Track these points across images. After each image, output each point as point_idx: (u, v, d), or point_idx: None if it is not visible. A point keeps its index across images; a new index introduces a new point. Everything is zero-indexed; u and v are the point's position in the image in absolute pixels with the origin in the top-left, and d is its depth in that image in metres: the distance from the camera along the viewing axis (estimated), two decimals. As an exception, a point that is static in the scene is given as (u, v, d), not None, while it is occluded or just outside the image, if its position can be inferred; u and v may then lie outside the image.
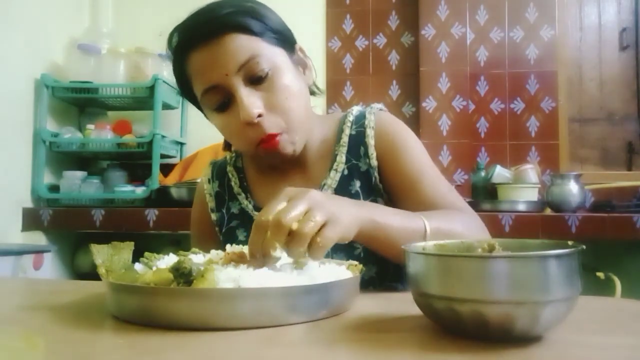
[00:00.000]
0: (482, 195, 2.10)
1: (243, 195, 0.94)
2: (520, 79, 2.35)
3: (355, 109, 0.94)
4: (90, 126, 2.22)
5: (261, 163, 0.95)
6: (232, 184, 0.96)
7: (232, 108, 0.80)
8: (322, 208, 0.59)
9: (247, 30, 0.78)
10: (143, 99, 2.20)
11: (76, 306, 0.61)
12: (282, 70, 0.80)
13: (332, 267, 0.61)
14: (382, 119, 0.90)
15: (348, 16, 2.49)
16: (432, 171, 0.87)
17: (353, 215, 0.65)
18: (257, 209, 0.91)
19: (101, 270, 0.55)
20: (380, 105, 0.94)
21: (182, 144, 2.42)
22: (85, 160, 2.40)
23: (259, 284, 0.51)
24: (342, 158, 0.88)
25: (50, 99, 2.18)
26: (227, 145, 0.98)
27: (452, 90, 2.29)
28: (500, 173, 2.07)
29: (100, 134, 2.18)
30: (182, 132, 2.44)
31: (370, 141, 0.87)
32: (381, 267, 0.84)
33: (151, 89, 2.14)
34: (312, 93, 0.91)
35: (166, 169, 2.23)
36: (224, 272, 0.52)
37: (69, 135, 2.18)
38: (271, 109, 0.79)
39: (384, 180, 0.87)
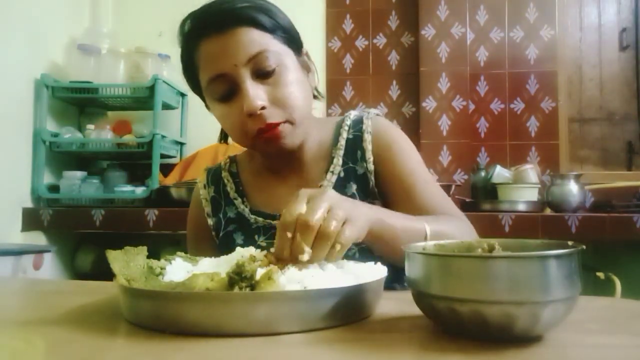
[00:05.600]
0: (482, 195, 2.10)
1: (239, 199, 0.94)
2: (520, 79, 2.35)
3: (353, 113, 0.95)
4: (90, 126, 2.22)
5: (256, 166, 0.96)
6: (228, 189, 0.96)
7: (236, 99, 0.80)
8: (341, 207, 0.61)
9: (260, 26, 0.80)
10: (143, 99, 2.21)
11: (76, 306, 0.61)
12: (288, 68, 0.82)
13: (364, 266, 0.61)
14: (379, 125, 0.92)
15: (348, 16, 2.48)
16: (426, 178, 0.89)
17: (365, 215, 0.66)
18: (254, 212, 0.92)
19: (121, 280, 0.53)
20: (376, 111, 0.96)
21: (182, 144, 2.42)
22: (85, 160, 2.40)
23: (324, 284, 0.50)
24: (338, 160, 0.89)
25: (50, 99, 2.18)
26: (224, 137, 0.97)
27: (452, 90, 2.29)
28: (500, 173, 2.07)
29: (100, 134, 2.18)
30: (182, 132, 2.44)
31: (368, 146, 0.89)
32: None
33: (151, 89, 2.14)
34: (314, 97, 0.92)
35: (166, 169, 2.23)
36: (288, 274, 0.51)
37: (69, 135, 2.18)
38: (274, 102, 0.80)
39: (380, 184, 0.88)
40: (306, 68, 0.89)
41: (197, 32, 0.82)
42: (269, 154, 0.89)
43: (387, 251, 0.73)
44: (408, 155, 0.89)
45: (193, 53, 0.83)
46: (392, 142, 0.90)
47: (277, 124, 0.80)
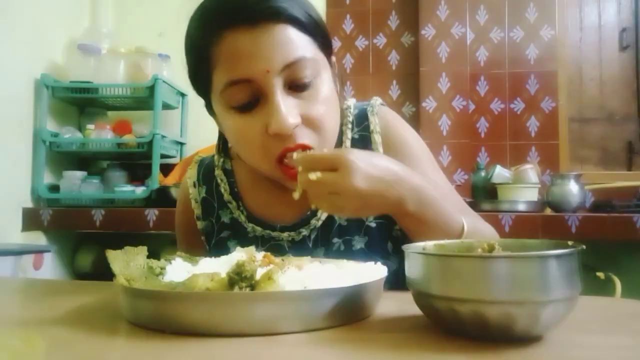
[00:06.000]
0: (482, 195, 2.10)
1: (234, 204, 0.85)
2: (520, 79, 2.35)
3: (353, 106, 0.86)
4: (90, 126, 2.22)
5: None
6: (222, 190, 0.86)
7: (258, 111, 0.68)
8: (344, 205, 0.62)
9: (302, 27, 0.68)
10: (143, 99, 2.20)
11: (76, 306, 0.61)
12: (324, 80, 0.71)
13: (362, 266, 0.61)
14: (387, 123, 0.84)
15: (348, 16, 2.48)
16: (438, 180, 0.82)
17: (372, 209, 0.66)
18: (251, 219, 0.83)
19: (121, 280, 0.52)
20: (380, 100, 0.87)
21: (182, 144, 2.42)
22: (85, 160, 2.40)
23: (324, 284, 0.50)
24: None
25: (50, 99, 2.18)
26: (223, 149, 0.87)
27: (452, 90, 2.29)
28: (500, 173, 2.07)
29: (100, 134, 2.18)
30: (182, 132, 2.43)
31: (379, 148, 0.81)
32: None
33: (151, 88, 2.14)
34: None
35: (166, 169, 2.23)
36: (288, 274, 0.51)
37: (69, 135, 2.18)
38: (306, 121, 0.68)
39: None
40: (334, 78, 0.77)
41: (221, 18, 0.66)
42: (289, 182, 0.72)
43: (415, 237, 0.68)
44: (420, 157, 0.83)
45: (210, 44, 0.67)
46: (403, 142, 0.83)
47: (308, 148, 0.68)
